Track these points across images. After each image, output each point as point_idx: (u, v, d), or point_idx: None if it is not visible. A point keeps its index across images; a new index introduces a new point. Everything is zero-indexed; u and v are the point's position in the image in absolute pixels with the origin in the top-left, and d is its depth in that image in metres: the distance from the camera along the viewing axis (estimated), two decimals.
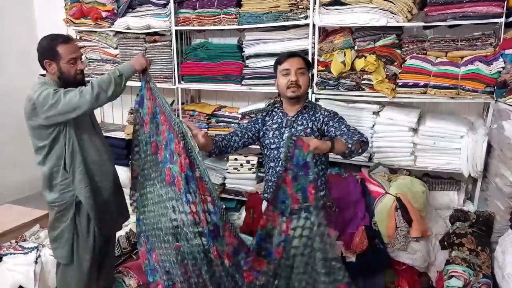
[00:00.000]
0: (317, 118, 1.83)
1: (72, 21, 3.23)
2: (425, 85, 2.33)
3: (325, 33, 2.66)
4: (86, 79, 1.98)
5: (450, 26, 2.35)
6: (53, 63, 1.80)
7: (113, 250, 2.35)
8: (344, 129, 1.73)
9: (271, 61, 2.67)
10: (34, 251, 2.41)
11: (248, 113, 2.85)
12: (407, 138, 2.45)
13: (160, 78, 3.07)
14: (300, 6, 2.53)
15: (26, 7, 3.71)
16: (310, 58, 2.56)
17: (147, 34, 3.05)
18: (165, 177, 1.74)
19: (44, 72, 1.90)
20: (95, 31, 3.21)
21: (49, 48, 1.79)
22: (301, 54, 1.87)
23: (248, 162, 2.94)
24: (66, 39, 1.84)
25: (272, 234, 1.53)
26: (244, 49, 2.78)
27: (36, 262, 2.35)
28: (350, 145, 1.60)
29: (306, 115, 1.85)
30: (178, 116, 3.08)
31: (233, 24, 2.73)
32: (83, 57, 3.26)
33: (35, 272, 2.32)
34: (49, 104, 1.73)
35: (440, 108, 2.68)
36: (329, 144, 1.54)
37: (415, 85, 2.35)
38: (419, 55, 2.37)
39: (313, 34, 2.52)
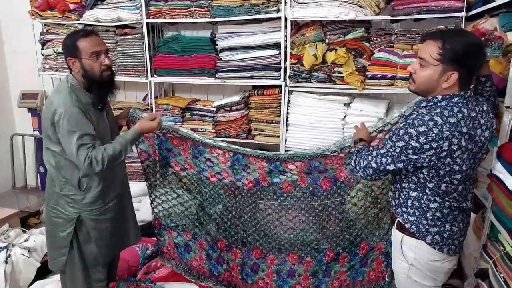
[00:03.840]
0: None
1: (37, 13, 3.11)
2: (393, 77, 2.42)
3: (297, 26, 2.70)
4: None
5: (416, 20, 2.45)
6: (76, 60, 1.68)
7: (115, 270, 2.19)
8: (373, 149, 1.53)
9: (245, 54, 2.72)
10: (3, 250, 2.35)
11: (223, 106, 2.86)
12: None
13: (132, 71, 3.02)
14: None
15: None
16: (282, 52, 2.60)
17: (118, 27, 2.99)
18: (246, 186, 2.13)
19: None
20: (63, 24, 3.10)
21: (69, 45, 1.69)
22: (440, 36, 1.34)
23: None
24: (87, 33, 1.72)
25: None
26: (217, 42, 2.78)
27: (6, 262, 2.30)
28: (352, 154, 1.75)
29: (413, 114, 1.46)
30: (152, 110, 3.05)
31: (205, 17, 2.72)
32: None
33: (6, 272, 2.26)
34: (61, 137, 1.66)
35: (407, 99, 2.77)
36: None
37: (383, 77, 2.43)
38: (387, 48, 2.45)
39: (285, 27, 2.55)
